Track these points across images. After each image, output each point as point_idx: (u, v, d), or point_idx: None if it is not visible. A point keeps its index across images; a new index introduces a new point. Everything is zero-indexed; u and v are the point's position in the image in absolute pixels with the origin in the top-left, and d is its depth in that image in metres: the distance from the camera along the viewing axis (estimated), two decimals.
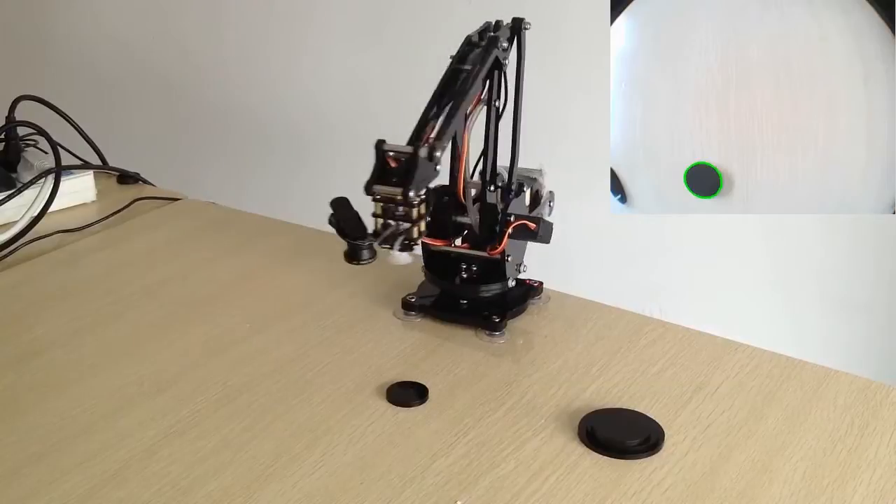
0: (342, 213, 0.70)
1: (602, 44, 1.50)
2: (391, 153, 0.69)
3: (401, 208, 0.69)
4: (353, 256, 0.71)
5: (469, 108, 0.78)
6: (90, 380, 0.78)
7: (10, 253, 1.01)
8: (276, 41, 1.86)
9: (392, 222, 0.70)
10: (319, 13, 1.78)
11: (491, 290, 0.85)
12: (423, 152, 0.68)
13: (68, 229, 1.07)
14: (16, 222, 1.05)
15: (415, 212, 0.70)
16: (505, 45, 0.79)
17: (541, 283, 0.89)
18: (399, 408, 0.73)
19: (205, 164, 2.03)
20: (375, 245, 0.71)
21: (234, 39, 1.92)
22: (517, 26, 0.82)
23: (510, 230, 0.82)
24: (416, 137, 0.71)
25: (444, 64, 0.79)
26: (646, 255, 1.58)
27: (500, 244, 0.82)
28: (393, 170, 0.69)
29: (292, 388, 0.76)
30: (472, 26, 0.82)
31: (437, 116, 0.73)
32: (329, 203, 0.70)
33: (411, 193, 0.68)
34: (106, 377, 0.78)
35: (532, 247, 0.86)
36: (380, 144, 0.70)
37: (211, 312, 0.89)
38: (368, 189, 0.69)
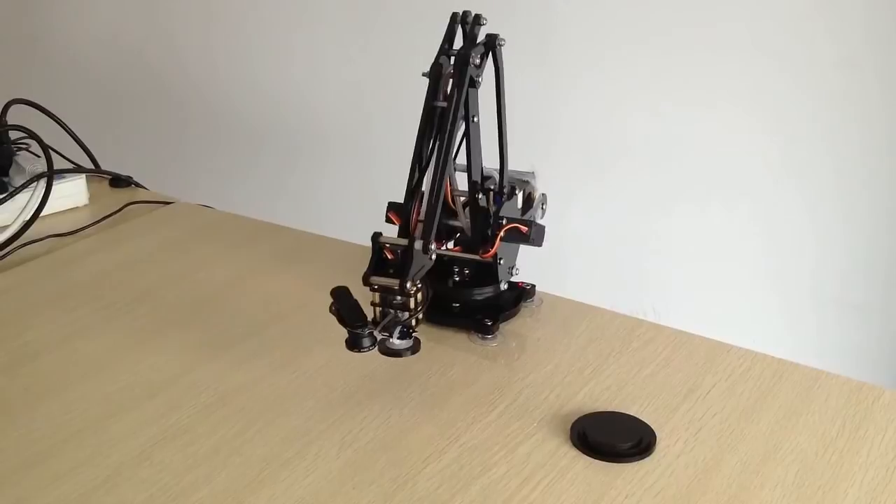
0: (342, 302, 0.72)
1: (595, 44, 1.51)
2: (387, 245, 0.72)
3: (399, 298, 0.71)
4: (353, 344, 0.73)
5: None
6: (82, 384, 0.78)
7: (3, 257, 1.01)
8: (269, 44, 1.87)
9: (391, 310, 0.72)
10: (311, 17, 1.78)
11: (483, 293, 0.85)
12: (417, 245, 0.71)
13: (60, 233, 1.07)
14: (8, 226, 1.05)
15: (412, 301, 0.72)
16: (478, 61, 0.77)
17: (533, 286, 0.89)
18: (392, 409, 0.73)
19: (197, 167, 2.03)
20: (375, 333, 0.72)
21: (226, 43, 1.92)
22: (491, 43, 0.80)
23: (502, 233, 0.82)
24: (406, 221, 0.74)
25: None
26: (639, 257, 1.58)
27: (492, 247, 0.82)
28: (389, 261, 0.72)
29: (284, 392, 0.76)
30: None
31: (422, 181, 0.75)
32: (330, 292, 0.72)
33: (408, 285, 0.70)
34: (98, 382, 0.78)
35: (524, 249, 0.86)
36: (376, 237, 0.72)
37: (203, 316, 0.89)
38: (366, 280, 0.71)
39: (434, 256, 0.72)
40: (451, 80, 0.77)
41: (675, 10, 1.43)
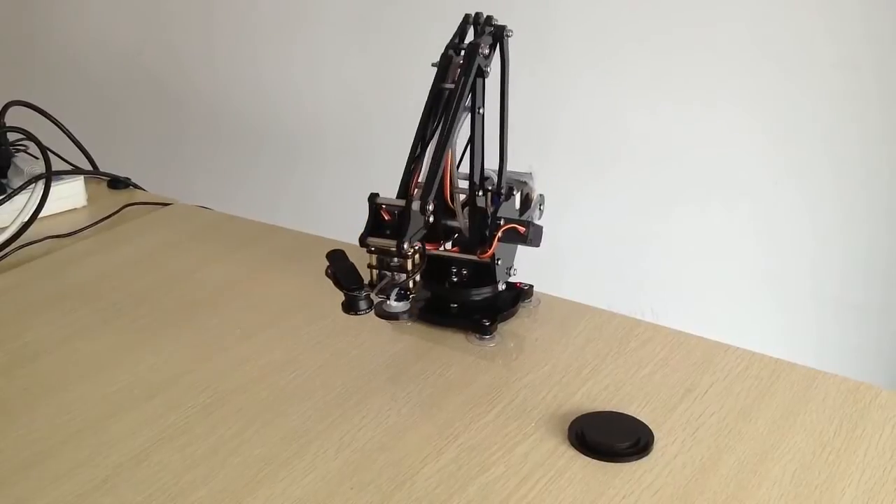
0: (338, 265, 0.71)
1: (593, 44, 1.51)
2: (384, 206, 0.72)
3: (395, 259, 0.71)
4: (350, 307, 0.72)
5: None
6: (80, 385, 0.78)
7: (1, 258, 1.01)
8: (268, 45, 1.87)
9: (387, 273, 0.72)
10: (310, 18, 1.78)
11: (481, 293, 0.85)
12: (415, 206, 0.70)
13: (59, 235, 1.07)
14: (6, 228, 1.05)
15: (409, 263, 0.71)
16: (486, 51, 0.78)
17: (531, 287, 0.89)
18: (390, 409, 0.73)
19: (196, 168, 2.03)
20: (372, 295, 0.72)
21: (225, 44, 1.92)
22: (499, 34, 0.81)
23: (500, 234, 0.82)
24: (406, 186, 0.74)
25: (433, 70, 0.79)
26: (637, 257, 1.58)
27: (490, 248, 0.82)
28: (386, 222, 0.71)
29: (282, 392, 0.76)
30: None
31: (423, 155, 0.75)
32: (326, 255, 0.71)
33: (405, 245, 0.70)
34: (96, 382, 0.78)
35: (522, 250, 0.86)
36: (373, 198, 0.72)
37: (202, 317, 0.89)
38: (363, 241, 0.71)
39: (431, 218, 0.72)
40: (458, 70, 0.77)
41: (675, 9, 1.43)
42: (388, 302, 0.72)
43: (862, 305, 1.46)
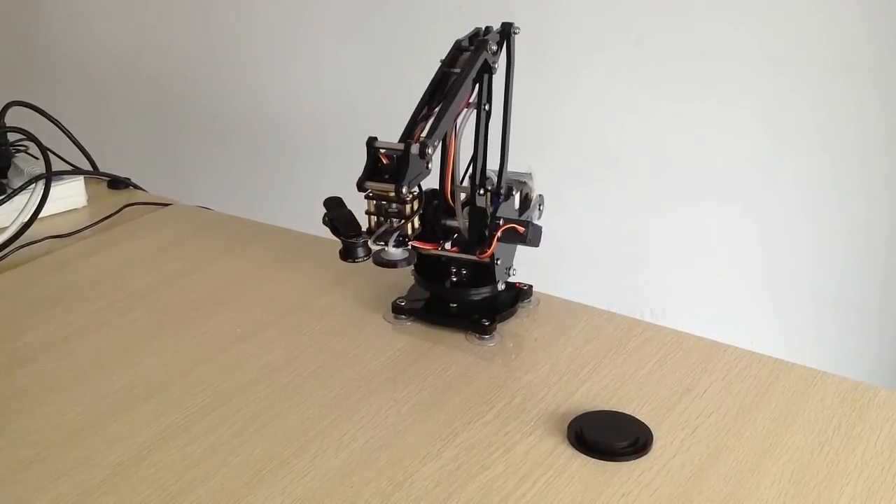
0: (336, 212, 0.71)
1: (590, 45, 1.51)
2: (383, 150, 0.71)
3: (394, 205, 0.70)
4: (347, 254, 0.71)
5: (458, 112, 0.78)
6: (80, 385, 0.78)
7: (1, 258, 1.01)
8: (267, 47, 1.87)
9: (385, 219, 0.71)
10: (310, 20, 1.78)
11: (480, 293, 0.86)
12: (414, 149, 0.70)
13: (59, 235, 1.07)
14: (6, 228, 1.05)
15: (408, 208, 0.71)
16: (494, 48, 0.79)
17: (530, 286, 0.89)
18: (390, 409, 0.73)
19: (195, 169, 2.04)
20: (370, 242, 0.71)
21: (224, 45, 1.93)
22: (507, 31, 0.82)
23: (499, 234, 0.82)
24: (407, 135, 0.73)
25: (433, 69, 0.79)
26: (636, 257, 1.58)
27: (489, 248, 0.82)
28: (385, 167, 0.70)
29: (282, 392, 0.76)
30: (462, 32, 0.82)
31: (427, 117, 0.75)
32: (323, 202, 0.70)
33: (404, 189, 0.69)
34: (96, 383, 0.78)
35: (521, 250, 0.86)
36: (371, 142, 0.71)
37: (201, 317, 0.89)
38: (361, 185, 0.70)
39: (431, 165, 0.71)
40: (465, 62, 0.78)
41: (674, 10, 1.44)
42: (386, 249, 0.71)
43: (860, 306, 1.46)
